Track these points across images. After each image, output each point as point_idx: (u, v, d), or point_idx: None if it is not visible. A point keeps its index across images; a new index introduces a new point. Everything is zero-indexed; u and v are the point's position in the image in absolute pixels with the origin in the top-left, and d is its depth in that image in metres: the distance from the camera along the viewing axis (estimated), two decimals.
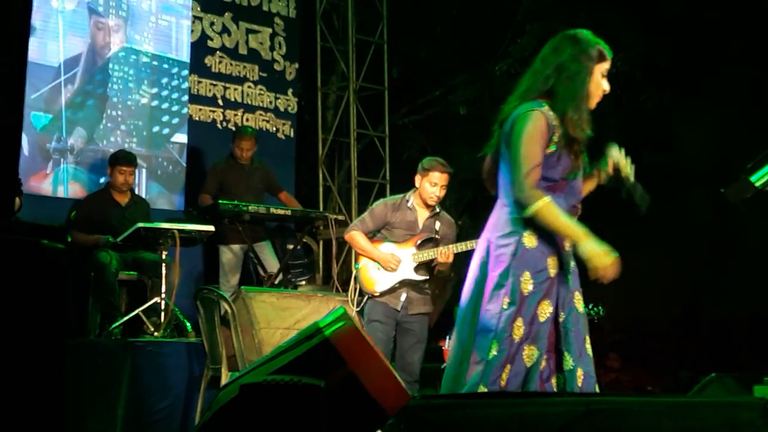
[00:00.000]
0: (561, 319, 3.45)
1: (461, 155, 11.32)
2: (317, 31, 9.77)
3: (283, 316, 6.12)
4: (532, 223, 3.42)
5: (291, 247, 7.53)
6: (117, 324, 6.17)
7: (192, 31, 8.41)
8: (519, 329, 3.39)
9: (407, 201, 5.77)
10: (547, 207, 3.35)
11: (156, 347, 5.86)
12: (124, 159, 6.83)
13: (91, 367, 5.85)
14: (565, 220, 3.38)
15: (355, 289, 5.89)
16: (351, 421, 2.41)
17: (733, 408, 2.55)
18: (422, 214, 5.76)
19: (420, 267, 5.71)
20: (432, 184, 5.66)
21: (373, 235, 5.82)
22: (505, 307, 3.41)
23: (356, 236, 5.78)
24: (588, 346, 3.50)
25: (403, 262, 5.69)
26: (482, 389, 3.37)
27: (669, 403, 2.64)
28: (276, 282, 7.27)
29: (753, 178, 3.96)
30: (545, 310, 3.42)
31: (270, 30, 9.03)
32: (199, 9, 8.51)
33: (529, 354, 3.41)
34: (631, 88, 9.84)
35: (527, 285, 3.41)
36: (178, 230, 6.28)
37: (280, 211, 7.26)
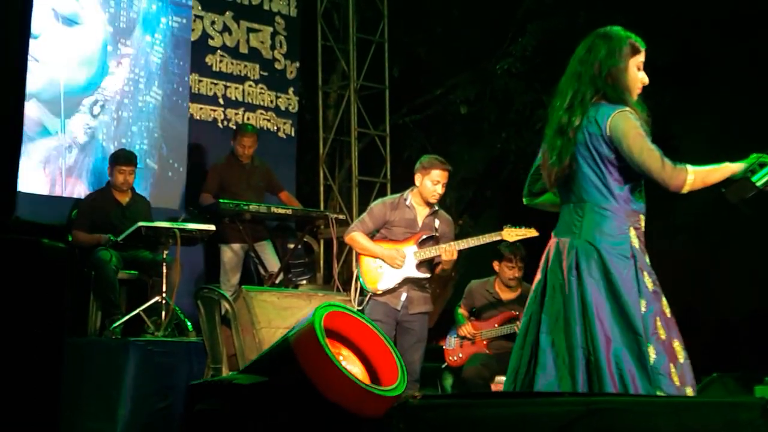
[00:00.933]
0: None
1: (462, 154, 11.34)
2: (318, 30, 9.77)
3: (283, 316, 6.12)
4: (630, 222, 3.47)
5: (292, 246, 7.53)
6: (118, 323, 6.16)
7: (192, 30, 8.41)
8: (661, 328, 3.41)
9: (405, 200, 5.77)
10: (698, 171, 3.42)
11: (157, 346, 5.86)
12: (123, 158, 6.83)
13: (92, 366, 5.85)
14: (714, 167, 3.45)
15: (356, 289, 5.89)
16: (311, 422, 2.39)
17: (733, 408, 2.55)
18: (421, 213, 5.76)
19: (422, 264, 5.71)
20: (433, 182, 5.66)
21: (372, 236, 5.82)
22: (644, 309, 3.41)
23: (357, 237, 5.78)
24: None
25: (406, 259, 5.69)
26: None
27: (669, 403, 2.64)
28: (277, 281, 7.27)
29: (754, 179, 3.95)
30: (667, 305, 3.48)
31: (271, 29, 9.03)
32: (200, 8, 8.51)
33: (678, 349, 3.42)
34: None
35: (650, 283, 3.45)
36: (179, 229, 6.28)
37: (281, 211, 7.26)
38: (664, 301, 3.46)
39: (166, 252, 6.28)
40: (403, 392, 2.42)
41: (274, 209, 7.19)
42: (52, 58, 7.26)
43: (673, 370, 3.34)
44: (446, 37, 10.95)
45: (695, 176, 3.39)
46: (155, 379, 5.78)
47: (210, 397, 2.39)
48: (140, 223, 6.28)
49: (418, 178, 5.73)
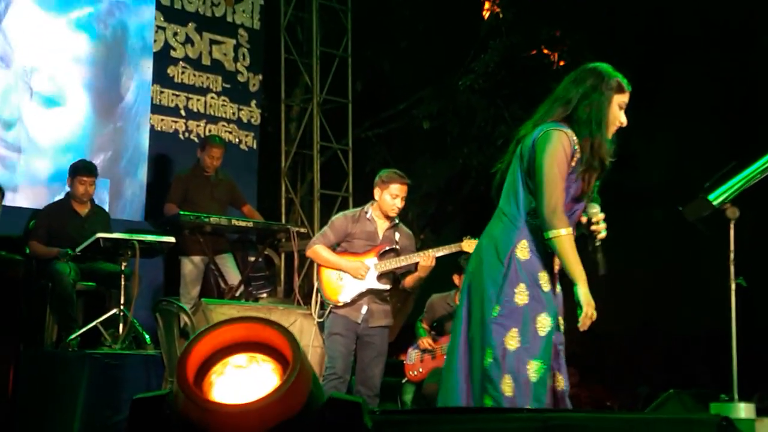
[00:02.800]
0: (554, 339, 3.48)
1: (424, 169, 11.38)
2: (281, 43, 9.77)
3: None
4: (526, 236, 3.49)
5: (252, 259, 7.49)
6: (74, 335, 6.09)
7: (155, 41, 8.36)
8: (513, 339, 3.40)
9: (366, 213, 5.78)
10: (568, 238, 3.42)
11: (114, 359, 5.79)
12: (84, 169, 6.76)
13: (47, 378, 5.77)
14: (576, 258, 3.43)
15: (317, 302, 5.87)
16: None
17: (689, 425, 2.58)
18: (382, 225, 5.77)
19: (382, 276, 5.71)
20: (392, 196, 5.67)
21: (333, 249, 5.81)
22: (495, 314, 3.45)
23: (320, 250, 5.77)
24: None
25: (370, 267, 5.69)
26: (487, 401, 3.38)
27: (626, 420, 2.66)
28: (237, 294, 7.22)
29: (711, 197, 4.00)
30: (545, 325, 3.44)
31: (234, 41, 9.01)
32: (162, 19, 8.48)
33: (534, 368, 3.38)
34: None
35: (522, 296, 3.44)
36: (138, 241, 6.22)
37: (242, 223, 7.22)
38: (542, 318, 3.43)
39: (125, 264, 6.22)
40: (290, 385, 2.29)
41: (234, 222, 7.15)
42: None
43: (507, 379, 3.36)
44: (410, 53, 11.00)
45: (567, 239, 3.41)
46: (112, 392, 5.71)
47: (154, 411, 2.36)
48: (99, 235, 6.21)
49: (377, 192, 5.74)
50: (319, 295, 5.82)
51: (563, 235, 3.39)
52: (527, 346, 3.38)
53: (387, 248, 5.71)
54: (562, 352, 3.49)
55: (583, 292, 3.40)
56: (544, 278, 3.48)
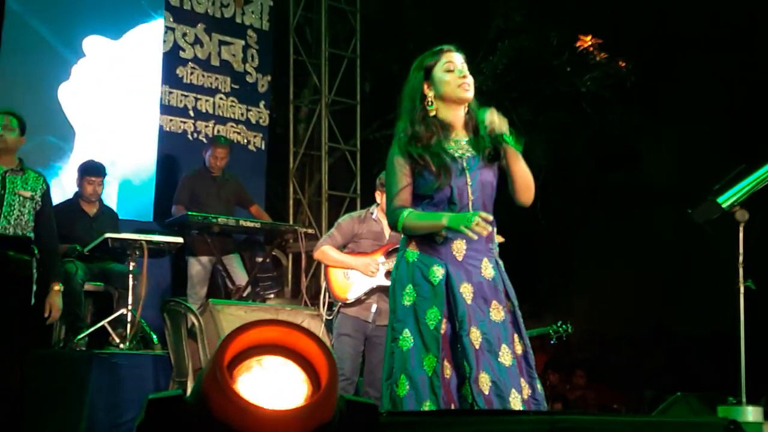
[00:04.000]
0: (456, 329, 3.48)
1: None
2: (290, 44, 9.78)
3: None
4: (413, 239, 3.59)
5: (260, 259, 7.50)
6: (82, 335, 6.10)
7: (164, 41, 8.38)
8: (406, 341, 3.50)
9: (372, 213, 5.80)
10: (408, 216, 3.53)
11: (121, 359, 5.80)
12: (93, 169, 6.78)
13: (55, 378, 5.78)
14: (425, 220, 3.52)
15: (325, 303, 5.86)
16: None
17: (696, 428, 2.57)
18: (387, 225, 5.77)
19: (390, 274, 5.70)
20: None
21: (340, 250, 5.81)
22: (391, 321, 3.59)
23: (327, 251, 5.76)
24: (502, 353, 3.49)
25: (380, 264, 5.68)
26: (386, 405, 3.48)
27: (632, 423, 2.65)
28: (244, 295, 7.23)
29: (720, 200, 3.99)
30: (432, 318, 3.49)
31: (243, 42, 9.02)
32: (171, 20, 8.49)
33: (428, 363, 3.45)
34: (600, 107, 9.93)
35: (408, 297, 3.55)
36: (146, 241, 6.23)
37: (250, 224, 7.23)
38: (431, 312, 3.49)
39: (133, 264, 6.24)
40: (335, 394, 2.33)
41: (242, 222, 7.16)
42: None
43: (403, 378, 3.44)
44: (418, 54, 10.99)
45: (408, 217, 3.53)
46: (119, 392, 5.72)
47: (172, 413, 2.36)
48: (107, 235, 6.23)
49: (378, 195, 5.75)
50: (327, 294, 5.82)
51: (406, 215, 3.54)
52: (419, 343, 3.47)
53: (394, 247, 5.70)
54: (471, 341, 3.46)
55: (448, 222, 3.49)
56: (436, 272, 3.52)
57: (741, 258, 4.02)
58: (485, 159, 3.62)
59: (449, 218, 3.45)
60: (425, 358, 3.45)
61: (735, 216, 4.05)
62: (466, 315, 3.46)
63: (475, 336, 3.45)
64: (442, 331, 3.47)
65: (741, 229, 4.06)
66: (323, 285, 5.88)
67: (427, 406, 3.40)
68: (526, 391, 3.50)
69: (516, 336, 3.57)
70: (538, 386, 3.58)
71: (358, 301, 5.69)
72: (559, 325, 6.25)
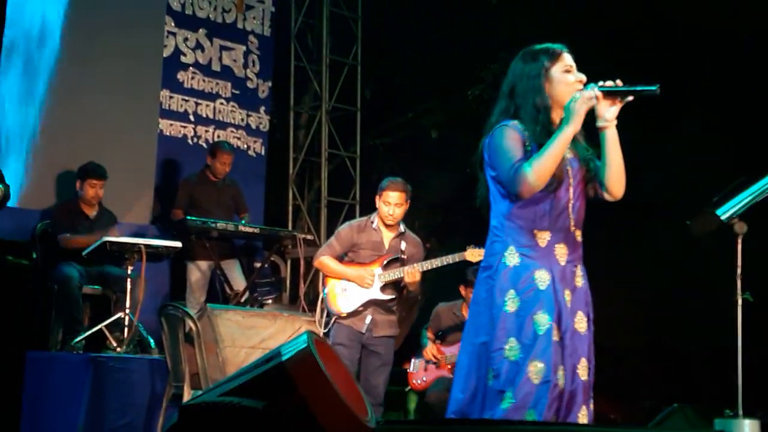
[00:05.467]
0: (557, 338, 3.30)
1: (431, 179, 11.36)
2: (291, 51, 9.79)
3: (248, 335, 6.08)
4: (512, 242, 3.36)
5: (258, 265, 7.50)
6: (79, 338, 6.10)
7: (165, 46, 8.39)
8: (513, 350, 3.27)
9: (372, 222, 5.77)
10: (534, 160, 3.29)
11: (118, 363, 5.80)
12: (94, 172, 6.77)
13: (52, 381, 5.77)
14: (551, 141, 3.30)
15: (323, 311, 5.86)
16: None
17: None
18: (387, 235, 5.75)
19: (386, 287, 5.69)
20: (386, 203, 5.66)
21: (340, 260, 5.80)
22: (483, 330, 3.33)
23: (326, 261, 5.76)
24: (581, 368, 3.37)
25: (376, 275, 5.68)
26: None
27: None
28: (242, 300, 7.23)
29: (719, 212, 3.98)
30: (542, 323, 3.28)
31: (244, 47, 9.03)
32: (173, 24, 8.50)
33: (535, 370, 3.24)
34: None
35: (512, 303, 3.31)
36: (145, 245, 6.23)
37: (249, 229, 7.23)
38: (539, 317, 3.27)
39: (131, 268, 6.23)
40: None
41: (241, 228, 7.16)
42: None
43: (510, 392, 3.23)
44: (419, 62, 11.00)
45: (534, 164, 3.30)
46: (116, 396, 5.72)
47: (209, 419, 2.37)
48: (106, 238, 6.22)
49: (377, 200, 5.74)
50: (324, 304, 5.81)
51: (532, 165, 3.29)
52: (528, 352, 3.25)
53: (391, 258, 5.69)
54: (572, 350, 3.32)
55: (567, 123, 3.31)
56: (541, 276, 3.32)
57: (739, 271, 4.02)
58: (582, 163, 3.47)
59: (566, 115, 3.30)
60: (532, 365, 3.24)
61: (733, 228, 4.05)
62: (569, 327, 3.33)
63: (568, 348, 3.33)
64: (555, 338, 3.28)
65: (739, 241, 4.06)
66: (321, 295, 5.88)
67: (528, 416, 3.20)
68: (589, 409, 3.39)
69: (590, 350, 3.45)
70: (590, 405, 3.46)
71: (354, 313, 5.69)
72: None
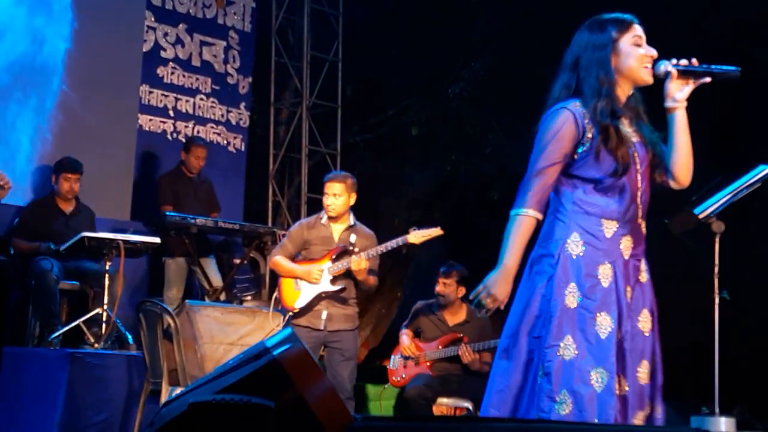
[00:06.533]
0: (618, 338, 3.06)
1: (412, 175, 11.38)
2: (272, 46, 9.76)
3: (226, 332, 6.06)
4: (576, 228, 3.11)
5: (237, 261, 7.48)
6: (57, 334, 6.07)
7: (145, 41, 8.35)
8: (568, 348, 3.01)
9: (321, 218, 5.83)
10: (522, 220, 3.09)
11: (95, 358, 5.78)
12: (69, 166, 6.75)
13: (28, 376, 5.75)
14: (514, 242, 3.09)
15: (285, 313, 5.88)
16: None
17: None
18: (337, 229, 5.79)
19: (337, 279, 5.72)
20: (326, 195, 5.73)
21: (294, 258, 5.83)
22: (540, 322, 3.07)
23: (279, 261, 5.81)
24: (641, 371, 3.12)
25: (323, 274, 5.70)
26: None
27: (605, 431, 2.65)
28: (221, 297, 7.21)
29: (697, 211, 4.00)
30: (605, 325, 3.03)
31: (224, 43, 9.00)
32: (153, 19, 8.46)
33: (596, 377, 2.99)
34: None
35: (572, 297, 3.05)
36: (123, 241, 6.21)
37: (228, 225, 7.21)
38: (601, 318, 3.02)
39: (109, 263, 6.21)
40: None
41: (221, 224, 7.15)
42: None
43: (565, 394, 2.98)
44: (400, 59, 11.00)
45: (521, 219, 3.10)
46: (93, 392, 5.70)
47: (214, 416, 2.37)
48: (83, 234, 6.20)
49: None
50: (277, 303, 5.85)
51: (518, 215, 3.09)
52: (586, 354, 3.00)
53: (341, 251, 5.72)
54: (632, 351, 3.08)
55: (493, 276, 3.09)
56: (605, 271, 3.08)
57: (716, 269, 4.04)
58: (649, 147, 3.21)
59: (500, 269, 3.08)
60: (594, 372, 2.99)
61: (711, 227, 4.07)
62: (630, 327, 3.08)
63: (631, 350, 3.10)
64: (615, 340, 3.02)
65: (717, 240, 4.08)
66: (275, 295, 5.92)
67: None
68: (647, 412, 3.14)
69: (655, 351, 3.18)
70: (659, 408, 3.18)
71: (307, 309, 5.71)
72: None
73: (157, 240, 6.52)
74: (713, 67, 3.08)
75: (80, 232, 6.24)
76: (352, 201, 5.76)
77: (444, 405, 6.33)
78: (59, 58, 7.67)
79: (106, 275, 6.18)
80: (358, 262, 5.57)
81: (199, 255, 7.30)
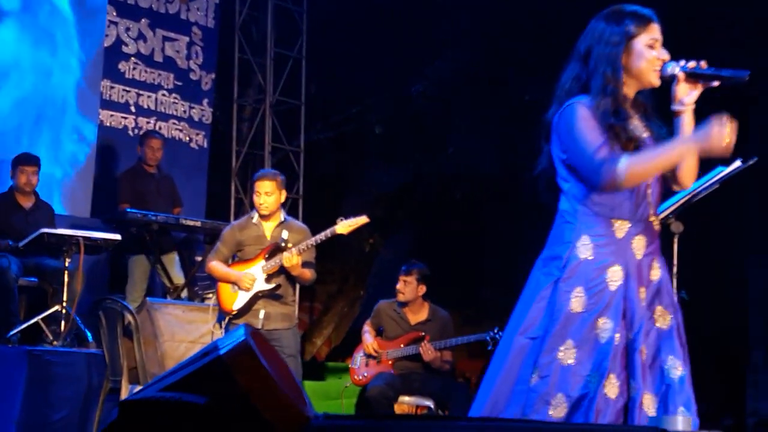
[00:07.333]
0: (627, 340, 3.00)
1: (374, 174, 11.39)
2: (235, 43, 9.72)
3: (188, 329, 6.05)
4: (585, 230, 3.05)
5: (199, 259, 7.44)
6: (15, 331, 6.01)
7: (107, 35, 8.27)
8: (568, 353, 2.97)
9: (252, 218, 5.84)
10: (636, 159, 2.95)
11: (55, 356, 5.72)
12: (25, 159, 6.70)
13: None
14: (660, 151, 2.99)
15: (225, 316, 5.87)
16: None
17: None
18: (268, 227, 5.80)
19: (271, 277, 5.72)
20: (257, 193, 5.76)
21: (231, 261, 5.83)
22: (552, 327, 3.01)
23: (215, 266, 5.80)
24: (669, 364, 3.05)
25: (256, 278, 5.71)
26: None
27: (566, 429, 2.67)
28: (182, 294, 7.17)
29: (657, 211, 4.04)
30: (606, 329, 2.98)
31: (187, 39, 8.94)
32: (114, 14, 8.38)
33: (593, 382, 2.96)
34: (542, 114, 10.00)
35: (578, 302, 3.00)
36: (83, 237, 6.15)
37: (190, 222, 7.18)
38: (603, 323, 2.98)
39: (68, 260, 6.15)
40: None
41: (182, 221, 7.11)
42: None
43: (561, 398, 2.95)
44: (364, 57, 11.01)
45: (633, 161, 2.94)
46: (52, 390, 5.64)
47: (150, 416, 2.35)
48: (43, 230, 6.14)
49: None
50: (217, 308, 5.86)
51: (627, 163, 2.93)
52: (584, 359, 2.97)
53: (273, 248, 5.72)
54: (640, 353, 3.00)
55: (693, 138, 2.96)
56: (614, 274, 3.02)
57: (675, 269, 4.08)
58: (657, 141, 3.11)
59: (695, 135, 2.94)
60: (590, 377, 2.96)
61: (670, 228, 4.11)
62: (643, 326, 3.01)
63: (644, 349, 3.02)
64: (615, 343, 2.97)
65: (675, 240, 4.12)
66: (213, 298, 5.92)
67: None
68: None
69: (681, 346, 3.12)
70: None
71: (245, 309, 5.71)
72: (495, 332, 6.30)
73: (118, 237, 6.47)
74: (724, 72, 3.02)
75: (40, 228, 6.17)
76: (283, 198, 5.81)
77: (406, 403, 6.34)
78: None
79: (66, 272, 6.12)
80: (290, 259, 5.58)
81: (162, 252, 7.25)
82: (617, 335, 2.97)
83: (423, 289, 6.51)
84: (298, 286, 6.28)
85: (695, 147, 2.98)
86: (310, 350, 11.39)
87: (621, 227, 3.05)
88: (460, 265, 11.15)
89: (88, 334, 6.30)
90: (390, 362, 6.50)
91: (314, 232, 5.81)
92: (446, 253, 10.71)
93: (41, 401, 5.58)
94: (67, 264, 6.14)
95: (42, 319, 6.11)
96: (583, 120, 3.02)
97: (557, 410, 2.94)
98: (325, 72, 10.90)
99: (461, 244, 11.32)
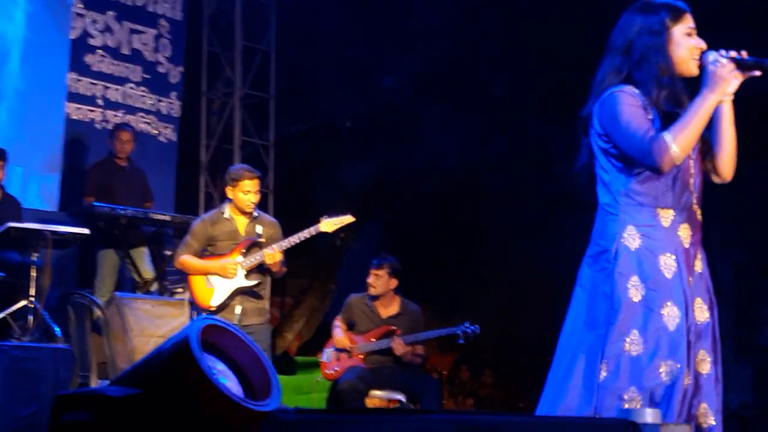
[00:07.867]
0: (686, 328, 3.00)
1: (346, 168, 11.36)
2: (204, 35, 9.65)
3: (157, 324, 6.01)
4: (630, 220, 3.04)
5: (169, 253, 7.39)
6: None
7: (73, 27, 8.19)
8: (635, 343, 2.95)
9: (223, 213, 5.81)
10: (674, 130, 2.95)
11: (22, 352, 5.65)
12: None
13: None
14: (690, 111, 2.97)
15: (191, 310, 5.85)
16: None
17: (598, 428, 2.61)
18: (241, 222, 5.78)
19: (250, 273, 5.70)
20: (245, 192, 5.71)
21: (200, 255, 5.79)
22: (615, 319, 2.97)
23: (187, 260, 5.75)
24: (700, 359, 3.05)
25: (238, 269, 5.67)
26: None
27: (536, 422, 2.68)
28: (151, 289, 7.13)
29: None
30: (673, 315, 2.97)
31: (155, 31, 8.87)
32: (81, 6, 8.30)
33: (667, 369, 2.93)
34: (515, 112, 10.04)
35: (636, 291, 2.99)
36: (51, 232, 6.10)
37: (159, 217, 7.14)
38: (668, 309, 2.97)
39: (36, 255, 6.09)
40: (278, 407, 2.41)
41: (151, 215, 7.06)
42: None
43: (634, 391, 2.93)
44: (334, 50, 10.97)
45: (678, 135, 2.95)
46: (20, 386, 5.57)
47: (79, 408, 2.32)
48: (9, 224, 6.07)
49: (229, 191, 5.76)
50: (191, 303, 5.83)
51: (673, 135, 2.95)
52: (654, 348, 2.94)
53: (250, 244, 5.71)
54: (696, 343, 3.02)
55: (707, 89, 2.98)
56: (667, 262, 3.01)
57: None
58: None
59: (706, 79, 2.96)
60: (664, 365, 2.94)
61: None
62: (693, 313, 3.02)
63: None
64: (684, 330, 2.96)
65: None
66: (187, 295, 5.87)
67: None
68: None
69: (714, 342, 3.11)
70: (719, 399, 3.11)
71: (223, 306, 5.68)
72: (466, 326, 6.32)
73: (86, 231, 6.41)
74: (764, 60, 3.00)
75: (6, 223, 6.11)
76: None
77: (377, 397, 6.34)
78: None
79: (33, 267, 6.06)
80: (272, 256, 5.57)
81: (131, 246, 7.20)
82: (685, 323, 2.96)
83: (394, 282, 6.51)
84: (269, 281, 6.26)
85: (714, 95, 2.99)
86: (281, 345, 11.35)
87: (666, 216, 3.05)
88: (431, 259, 11.17)
89: (57, 329, 6.24)
90: (361, 356, 6.49)
91: (284, 226, 5.79)
92: (417, 246, 10.72)
93: (9, 397, 5.51)
94: (34, 258, 6.08)
95: (9, 314, 6.04)
96: (628, 105, 3.02)
97: (632, 404, 2.91)
98: (294, 65, 10.86)
99: (432, 238, 11.35)
